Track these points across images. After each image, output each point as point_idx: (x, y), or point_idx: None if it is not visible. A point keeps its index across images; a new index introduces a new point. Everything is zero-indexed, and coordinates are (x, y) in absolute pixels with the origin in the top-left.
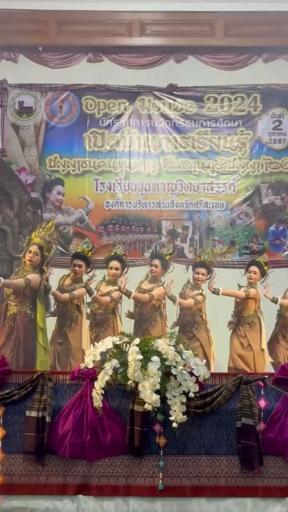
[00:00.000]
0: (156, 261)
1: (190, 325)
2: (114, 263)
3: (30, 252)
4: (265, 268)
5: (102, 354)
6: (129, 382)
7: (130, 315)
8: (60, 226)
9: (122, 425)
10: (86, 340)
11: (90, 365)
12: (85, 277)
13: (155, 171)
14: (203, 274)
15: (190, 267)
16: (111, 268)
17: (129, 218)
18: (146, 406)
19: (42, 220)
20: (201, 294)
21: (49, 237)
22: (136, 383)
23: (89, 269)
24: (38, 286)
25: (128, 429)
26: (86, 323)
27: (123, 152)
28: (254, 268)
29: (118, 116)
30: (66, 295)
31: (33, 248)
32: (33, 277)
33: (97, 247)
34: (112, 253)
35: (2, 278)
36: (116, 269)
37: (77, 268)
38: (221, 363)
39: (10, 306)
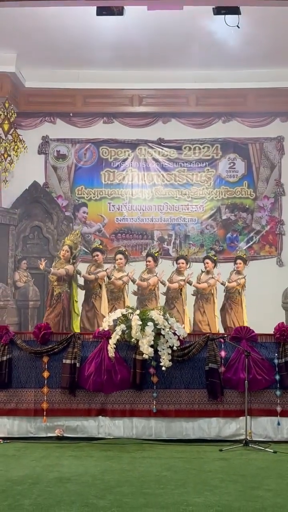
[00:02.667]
0: (150, 258)
1: (174, 300)
2: (119, 256)
3: (63, 250)
4: (215, 258)
5: (114, 321)
6: (132, 340)
7: (135, 293)
8: (85, 234)
9: (128, 368)
10: (105, 308)
11: (106, 328)
12: (104, 266)
13: (149, 197)
14: (183, 263)
15: (175, 261)
16: (117, 259)
17: (131, 229)
18: (144, 355)
19: (73, 230)
20: (183, 280)
21: (76, 240)
22: (137, 340)
23: (104, 256)
24: (72, 273)
25: (132, 371)
26: (105, 296)
27: (127, 184)
28: (207, 260)
29: (124, 160)
30: (92, 276)
31: (65, 248)
32: (70, 267)
33: (110, 248)
34: (118, 250)
35: (51, 269)
36: (121, 259)
37: (96, 257)
38: (191, 327)
39: (55, 288)
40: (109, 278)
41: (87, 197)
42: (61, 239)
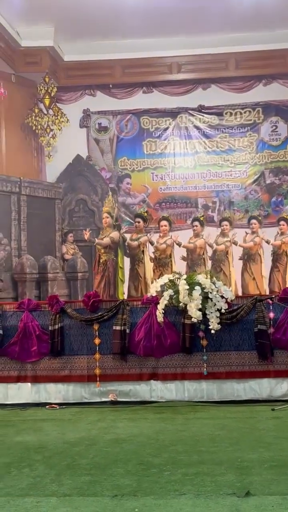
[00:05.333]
0: (196, 222)
1: (220, 263)
2: (163, 222)
3: (104, 218)
4: (260, 219)
5: (162, 286)
6: (180, 304)
7: (184, 259)
8: (130, 205)
9: (177, 332)
10: (150, 275)
11: (154, 294)
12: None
13: (192, 165)
14: (226, 225)
15: (219, 224)
16: (161, 226)
17: (175, 198)
18: (193, 319)
19: (117, 201)
20: (229, 241)
21: (111, 204)
22: (185, 305)
23: (146, 225)
24: (118, 239)
25: (181, 335)
26: (149, 263)
27: (169, 153)
28: (253, 220)
29: (165, 129)
30: (135, 243)
31: (105, 215)
32: (115, 234)
33: (155, 218)
34: (161, 216)
35: (96, 239)
36: (165, 225)
37: (137, 224)
38: (239, 289)
39: (102, 256)
40: (151, 243)
41: (130, 168)
42: None
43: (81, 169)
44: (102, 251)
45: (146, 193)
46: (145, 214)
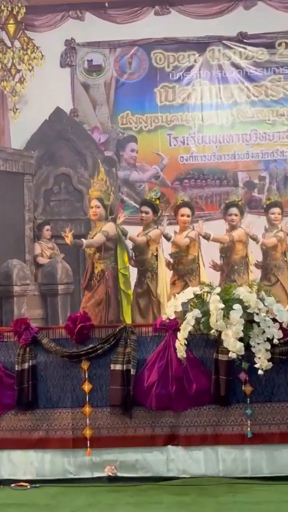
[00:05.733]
0: (234, 209)
1: (275, 269)
2: (183, 210)
3: (92, 207)
4: None
5: (183, 305)
6: (212, 331)
7: (214, 266)
8: (136, 183)
9: (207, 374)
10: (165, 289)
11: (172, 316)
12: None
13: (229, 123)
14: (279, 214)
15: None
16: (182, 215)
17: (204, 172)
18: (230, 354)
19: (118, 178)
20: (281, 230)
21: (105, 186)
22: (219, 332)
23: (156, 217)
24: (115, 235)
25: (214, 378)
26: (166, 273)
27: (195, 105)
28: None
29: (189, 69)
30: (142, 238)
31: (94, 202)
32: (109, 226)
33: (172, 204)
34: (180, 201)
35: (84, 240)
36: (188, 216)
37: (143, 215)
38: None
39: (96, 264)
40: (167, 238)
41: (136, 127)
42: None
43: (62, 129)
44: (96, 256)
45: (160, 165)
46: (156, 201)
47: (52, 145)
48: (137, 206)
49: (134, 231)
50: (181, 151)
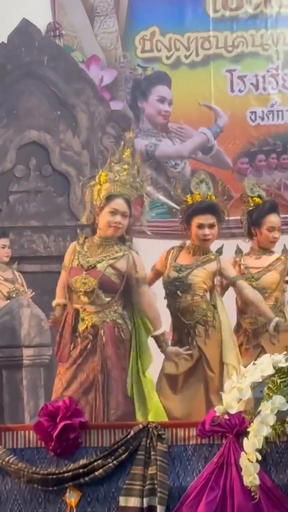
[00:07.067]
0: None
1: None
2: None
3: (112, 213)
4: None
5: (254, 387)
6: None
7: None
8: (168, 161)
9: None
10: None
11: (234, 409)
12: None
13: None
14: None
15: None
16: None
17: None
18: None
19: (135, 152)
20: None
21: (135, 173)
22: None
23: (220, 227)
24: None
25: None
26: (229, 328)
27: (277, 17)
28: None
29: None
30: (192, 280)
31: (118, 205)
32: (130, 260)
33: (237, 196)
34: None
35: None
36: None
37: (206, 231)
38: None
39: (82, 315)
40: (232, 284)
41: (168, 57)
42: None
43: (32, 60)
44: (84, 299)
45: (214, 128)
46: (210, 195)
47: (13, 89)
48: (169, 203)
49: (160, 247)
50: (252, 101)
